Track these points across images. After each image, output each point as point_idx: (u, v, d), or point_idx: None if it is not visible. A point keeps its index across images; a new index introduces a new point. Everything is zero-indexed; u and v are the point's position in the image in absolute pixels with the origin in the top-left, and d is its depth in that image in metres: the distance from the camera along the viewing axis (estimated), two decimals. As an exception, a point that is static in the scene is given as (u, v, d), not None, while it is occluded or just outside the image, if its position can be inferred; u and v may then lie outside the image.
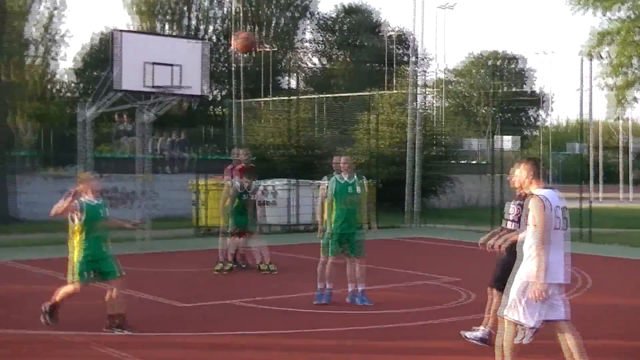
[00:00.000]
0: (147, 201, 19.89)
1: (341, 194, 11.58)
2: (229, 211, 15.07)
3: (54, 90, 52.60)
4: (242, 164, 15.93)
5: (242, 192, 15.06)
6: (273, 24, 53.98)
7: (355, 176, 11.78)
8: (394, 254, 18.65)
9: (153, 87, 17.28)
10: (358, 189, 11.66)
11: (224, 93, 52.39)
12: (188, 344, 9.23)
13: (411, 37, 37.54)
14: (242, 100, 38.35)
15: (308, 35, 60.36)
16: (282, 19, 54.71)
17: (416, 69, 30.62)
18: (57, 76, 52.56)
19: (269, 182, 24.07)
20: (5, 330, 9.68)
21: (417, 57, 31.34)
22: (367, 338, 9.59)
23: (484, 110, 66.94)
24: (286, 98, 32.54)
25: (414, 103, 29.50)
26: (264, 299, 12.02)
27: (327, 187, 11.68)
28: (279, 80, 52.79)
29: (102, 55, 46.51)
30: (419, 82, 31.03)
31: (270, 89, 42.99)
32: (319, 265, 11.73)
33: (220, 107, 52.48)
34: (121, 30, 18.79)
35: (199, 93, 18.81)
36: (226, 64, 51.94)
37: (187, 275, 14.93)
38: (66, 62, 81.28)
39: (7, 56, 33.26)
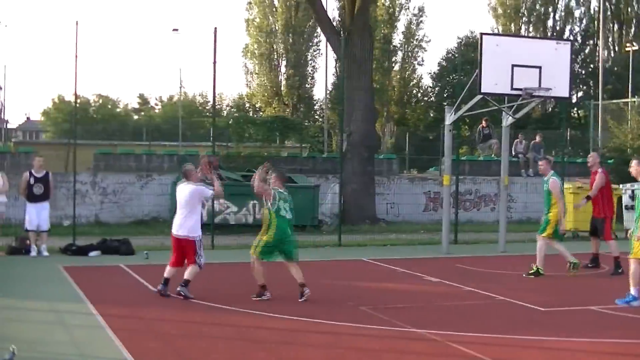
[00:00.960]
0: (504, 204, 19.83)
1: None
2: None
3: (414, 95, 54.40)
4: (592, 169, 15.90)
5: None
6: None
7: None
8: None
9: (519, 89, 17.14)
10: None
11: (581, 94, 50.92)
12: (545, 347, 9.17)
13: None
14: (599, 102, 36.96)
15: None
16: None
17: None
18: (415, 81, 54.27)
19: (627, 185, 23.32)
20: (368, 326, 10.18)
21: None
22: None
23: None
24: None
25: None
26: (623, 307, 11.45)
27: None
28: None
29: (456, 60, 47.32)
30: None
31: (630, 89, 40.91)
32: None
33: (576, 109, 51.05)
34: (488, 34, 18.90)
35: (566, 95, 18.37)
36: (588, 65, 50.45)
37: (544, 279, 14.63)
38: (424, 67, 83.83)
39: (376, 63, 35.00)
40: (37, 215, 17.03)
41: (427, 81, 55.29)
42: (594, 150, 26.52)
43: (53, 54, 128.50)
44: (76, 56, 18.28)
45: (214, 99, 21.47)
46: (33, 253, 16.90)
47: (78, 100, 25.14)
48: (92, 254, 17.13)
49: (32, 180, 17.12)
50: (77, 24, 18.22)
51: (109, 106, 78.66)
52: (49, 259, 16.48)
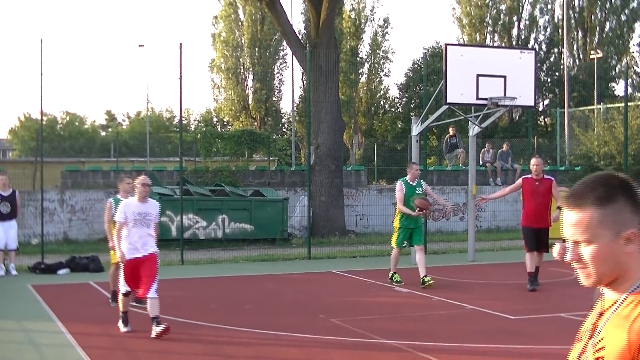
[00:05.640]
0: (472, 213, 19.90)
1: None
2: None
3: (381, 106, 54.63)
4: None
5: None
6: (604, 29, 51.59)
7: None
8: None
9: (485, 99, 17.28)
10: None
11: (547, 102, 51.44)
12: (515, 355, 9.26)
13: None
14: (565, 110, 37.40)
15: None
16: (614, 23, 51.93)
17: None
18: (382, 92, 54.51)
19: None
20: (339, 338, 10.26)
21: None
22: None
23: None
24: (615, 105, 31.19)
25: None
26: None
27: None
28: (613, 87, 50.57)
29: (422, 71, 47.60)
30: None
31: (596, 97, 41.35)
32: None
33: (543, 117, 51.56)
34: (452, 44, 19.02)
35: (531, 103, 18.51)
36: (554, 73, 50.94)
37: (513, 287, 14.74)
38: (390, 78, 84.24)
39: (343, 75, 35.10)
40: (4, 234, 16.89)
41: (394, 92, 55.56)
42: (558, 156, 26.69)
43: (18, 72, 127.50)
44: (41, 74, 18.22)
45: (180, 114, 21.45)
46: (1, 272, 16.74)
47: (44, 118, 24.95)
48: (61, 272, 17.00)
49: (-2, 199, 16.99)
50: (41, 41, 18.16)
51: (76, 123, 78.21)
52: (17, 278, 16.32)
